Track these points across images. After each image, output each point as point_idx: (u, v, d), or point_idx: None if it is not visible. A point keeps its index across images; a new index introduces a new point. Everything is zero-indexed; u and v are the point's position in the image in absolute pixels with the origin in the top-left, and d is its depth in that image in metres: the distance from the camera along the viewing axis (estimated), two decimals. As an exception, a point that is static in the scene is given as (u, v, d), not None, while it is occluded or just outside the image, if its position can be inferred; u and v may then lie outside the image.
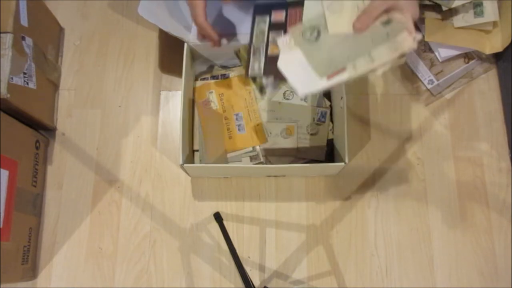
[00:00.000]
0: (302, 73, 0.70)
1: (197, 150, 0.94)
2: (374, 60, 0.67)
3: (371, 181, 0.95)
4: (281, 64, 0.72)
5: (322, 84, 0.68)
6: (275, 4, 0.77)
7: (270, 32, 0.75)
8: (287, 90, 0.96)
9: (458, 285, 0.90)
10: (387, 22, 0.67)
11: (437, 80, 1.00)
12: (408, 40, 0.66)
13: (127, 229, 0.92)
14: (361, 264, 0.91)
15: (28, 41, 0.87)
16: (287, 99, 0.96)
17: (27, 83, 0.86)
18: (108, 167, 0.96)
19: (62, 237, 0.92)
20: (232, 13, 0.87)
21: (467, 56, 1.01)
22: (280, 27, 0.75)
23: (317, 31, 0.70)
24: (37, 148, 0.92)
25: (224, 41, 0.83)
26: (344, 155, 0.82)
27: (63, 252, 0.91)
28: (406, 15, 0.65)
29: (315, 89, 0.69)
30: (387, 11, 0.66)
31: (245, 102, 0.95)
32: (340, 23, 0.70)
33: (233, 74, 0.97)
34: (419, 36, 0.66)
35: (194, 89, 0.97)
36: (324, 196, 0.94)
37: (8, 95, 0.78)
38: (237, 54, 0.88)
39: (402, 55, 0.66)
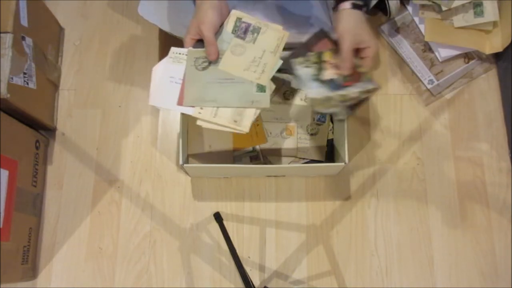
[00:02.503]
0: (167, 87, 0.72)
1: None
2: (232, 118, 0.69)
3: (371, 181, 0.95)
4: (157, 69, 0.73)
5: (172, 106, 0.70)
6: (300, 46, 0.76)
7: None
8: (287, 90, 0.96)
9: (458, 285, 0.90)
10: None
11: (437, 80, 1.00)
12: (255, 113, 0.70)
13: (127, 229, 0.92)
14: (361, 264, 0.91)
15: (28, 41, 0.87)
16: (287, 99, 0.96)
17: (27, 83, 0.86)
18: (108, 167, 0.96)
19: (62, 237, 0.92)
20: None
21: (467, 56, 1.01)
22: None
23: (208, 63, 0.72)
24: (37, 148, 0.92)
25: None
26: (344, 155, 0.82)
27: (63, 252, 0.91)
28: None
29: (163, 107, 0.72)
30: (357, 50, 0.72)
31: (245, 102, 0.95)
32: (233, 65, 0.72)
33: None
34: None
35: (194, 89, 0.97)
36: (324, 196, 0.94)
37: (8, 95, 0.78)
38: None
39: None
